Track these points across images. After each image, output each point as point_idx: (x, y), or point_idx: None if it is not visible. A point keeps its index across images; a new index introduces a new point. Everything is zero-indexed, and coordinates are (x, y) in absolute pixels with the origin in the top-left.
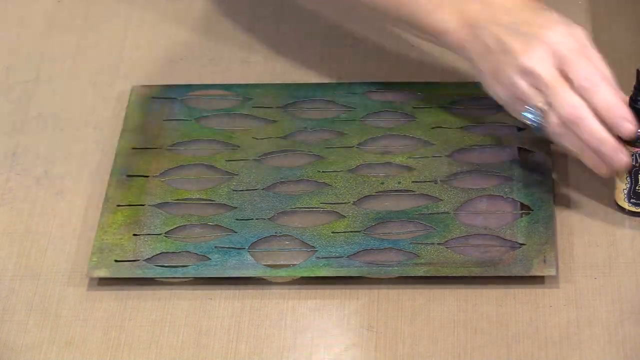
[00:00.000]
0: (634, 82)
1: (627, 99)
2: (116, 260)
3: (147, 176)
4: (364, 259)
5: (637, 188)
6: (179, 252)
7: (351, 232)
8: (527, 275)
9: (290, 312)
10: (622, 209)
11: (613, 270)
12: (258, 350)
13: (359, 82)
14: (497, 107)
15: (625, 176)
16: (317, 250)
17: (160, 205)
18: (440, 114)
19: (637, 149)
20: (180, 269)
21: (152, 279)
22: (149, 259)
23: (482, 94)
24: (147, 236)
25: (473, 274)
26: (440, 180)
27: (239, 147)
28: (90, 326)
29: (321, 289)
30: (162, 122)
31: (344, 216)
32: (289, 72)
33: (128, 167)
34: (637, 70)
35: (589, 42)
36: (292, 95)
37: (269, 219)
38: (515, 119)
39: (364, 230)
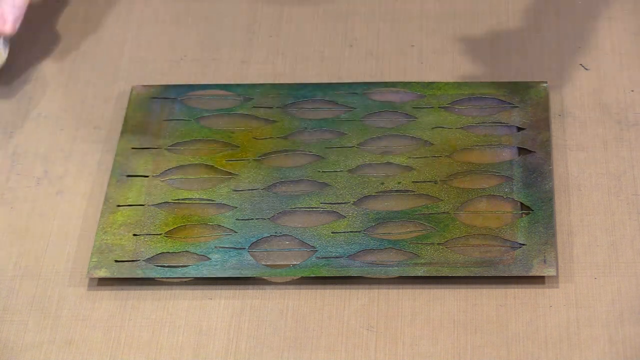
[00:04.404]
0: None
1: None
2: (116, 260)
3: (147, 176)
4: (364, 259)
5: None
6: (179, 252)
7: (351, 232)
8: (527, 275)
9: (290, 312)
10: None
11: (613, 270)
12: (258, 350)
13: (359, 82)
14: (497, 107)
15: None
16: (317, 250)
17: (160, 205)
18: (440, 114)
19: None
20: (180, 269)
21: (152, 279)
22: (149, 259)
23: (482, 94)
24: (147, 236)
25: (473, 274)
26: (440, 180)
27: (239, 147)
28: (90, 326)
29: (321, 289)
30: (162, 122)
31: (344, 216)
32: (289, 72)
33: (128, 167)
34: None
35: None
36: (292, 95)
37: (269, 219)
38: (514, 118)
39: (364, 230)
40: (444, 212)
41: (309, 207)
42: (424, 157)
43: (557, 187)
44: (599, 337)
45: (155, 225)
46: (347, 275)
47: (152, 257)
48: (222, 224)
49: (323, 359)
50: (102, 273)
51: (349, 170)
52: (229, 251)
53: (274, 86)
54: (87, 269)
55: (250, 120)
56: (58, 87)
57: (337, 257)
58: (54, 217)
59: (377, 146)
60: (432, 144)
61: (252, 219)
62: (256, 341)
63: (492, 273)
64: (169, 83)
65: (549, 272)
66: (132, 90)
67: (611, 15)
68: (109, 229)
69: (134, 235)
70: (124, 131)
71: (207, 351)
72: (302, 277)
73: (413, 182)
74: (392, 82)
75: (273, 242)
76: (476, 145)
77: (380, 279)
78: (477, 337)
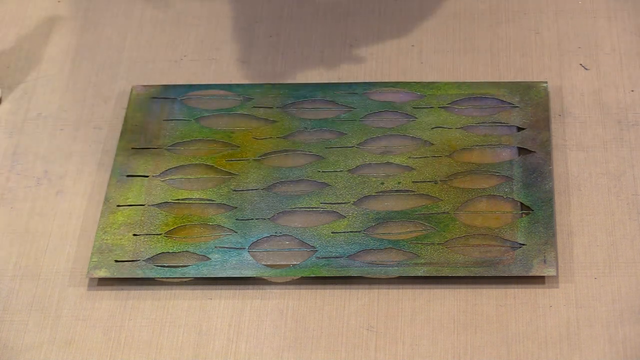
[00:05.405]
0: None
1: None
2: (116, 260)
3: (147, 176)
4: (364, 259)
5: None
6: (179, 252)
7: (351, 232)
8: (527, 275)
9: (290, 312)
10: None
11: (613, 270)
12: (258, 350)
13: (359, 82)
14: (497, 107)
15: None
16: (317, 250)
17: (160, 205)
18: (441, 114)
19: None
20: (180, 269)
21: (152, 279)
22: (149, 259)
23: (482, 94)
24: (147, 236)
25: (473, 274)
26: (440, 180)
27: (239, 147)
28: (90, 326)
29: (321, 289)
30: (162, 122)
31: (344, 216)
32: (289, 72)
33: (128, 167)
34: None
35: None
36: (292, 95)
37: (269, 219)
38: (514, 118)
39: (364, 230)
40: (444, 212)
41: (309, 207)
42: (424, 157)
43: (557, 187)
44: (599, 337)
45: (155, 225)
46: (347, 275)
47: (152, 257)
48: (222, 224)
49: (323, 359)
50: (102, 273)
51: (349, 170)
52: (229, 251)
53: (274, 86)
54: (87, 269)
55: (250, 120)
56: (58, 87)
57: (337, 257)
58: (54, 217)
59: (377, 146)
60: (432, 144)
61: (252, 219)
62: (256, 341)
63: (492, 273)
64: (169, 83)
65: (549, 272)
66: (132, 90)
67: (611, 15)
68: (109, 229)
69: (134, 235)
70: (124, 131)
71: (207, 351)
72: (302, 277)
73: (413, 182)
74: (392, 82)
75: (273, 242)
76: (476, 145)
77: (380, 279)
78: (477, 337)
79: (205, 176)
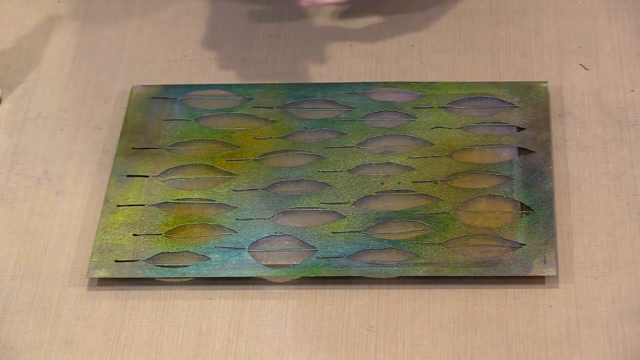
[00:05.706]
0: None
1: None
2: (116, 260)
3: (147, 176)
4: (364, 259)
5: None
6: (179, 252)
7: (351, 232)
8: (527, 275)
9: (290, 312)
10: None
11: (613, 270)
12: (258, 350)
13: (359, 82)
14: (497, 107)
15: None
16: (317, 250)
17: (160, 205)
18: (441, 114)
19: None
20: (180, 269)
21: (152, 279)
22: (149, 259)
23: (482, 94)
24: (147, 236)
25: (473, 274)
26: (440, 180)
27: (239, 147)
28: (90, 326)
29: (321, 289)
30: (162, 122)
31: (344, 216)
32: (289, 72)
33: (128, 167)
34: None
35: None
36: (292, 95)
37: (269, 219)
38: (514, 118)
39: (364, 230)
40: (444, 212)
41: (309, 207)
42: (424, 157)
43: (557, 187)
44: (599, 337)
45: (155, 225)
46: (347, 275)
47: (152, 257)
48: (222, 224)
49: (323, 359)
50: (102, 273)
51: (349, 170)
52: (229, 251)
53: (274, 86)
54: (87, 269)
55: (250, 120)
56: (58, 87)
57: (337, 257)
58: (54, 217)
59: (377, 146)
60: (432, 144)
61: (252, 219)
62: (256, 341)
63: (492, 273)
64: (169, 83)
65: (549, 272)
66: (132, 90)
67: (611, 15)
68: (109, 229)
69: (134, 235)
70: (124, 131)
71: (207, 351)
72: (302, 277)
73: (413, 182)
74: (392, 82)
75: (273, 242)
76: (476, 145)
77: (380, 279)
78: (477, 337)
79: (205, 176)
